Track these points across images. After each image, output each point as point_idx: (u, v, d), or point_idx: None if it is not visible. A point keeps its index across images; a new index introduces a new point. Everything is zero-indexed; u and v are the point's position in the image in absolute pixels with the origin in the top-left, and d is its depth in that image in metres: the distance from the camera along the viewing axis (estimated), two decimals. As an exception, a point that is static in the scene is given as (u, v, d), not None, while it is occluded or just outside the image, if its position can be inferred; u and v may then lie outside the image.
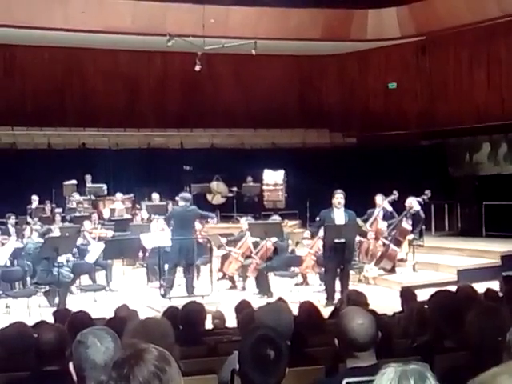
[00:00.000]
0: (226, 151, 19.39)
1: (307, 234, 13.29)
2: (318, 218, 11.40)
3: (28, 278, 11.46)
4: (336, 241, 10.65)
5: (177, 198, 12.39)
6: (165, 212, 14.63)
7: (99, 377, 1.77)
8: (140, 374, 1.68)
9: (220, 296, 11.04)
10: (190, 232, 11.49)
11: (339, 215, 10.80)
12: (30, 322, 5.41)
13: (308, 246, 12.64)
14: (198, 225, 13.86)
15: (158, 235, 12.05)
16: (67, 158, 18.12)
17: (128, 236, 13.21)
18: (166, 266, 11.58)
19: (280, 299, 7.29)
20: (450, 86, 19.49)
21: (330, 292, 10.69)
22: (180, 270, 11.57)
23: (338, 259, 10.73)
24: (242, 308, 6.32)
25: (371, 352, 3.13)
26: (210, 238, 12.51)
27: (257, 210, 16.91)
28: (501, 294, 6.52)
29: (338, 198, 10.77)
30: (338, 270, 10.84)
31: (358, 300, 6.08)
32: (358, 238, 12.59)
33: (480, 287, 6.67)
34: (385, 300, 9.63)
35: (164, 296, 10.84)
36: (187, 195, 11.89)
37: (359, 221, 12.65)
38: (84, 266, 12.06)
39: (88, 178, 17.40)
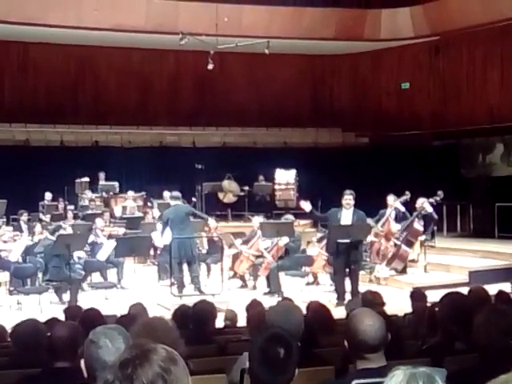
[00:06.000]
0: (238, 150, 19.39)
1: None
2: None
3: (40, 275, 11.51)
4: (339, 241, 10.61)
5: (168, 200, 12.43)
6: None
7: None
8: (144, 375, 1.68)
9: (231, 295, 11.06)
10: (185, 228, 11.37)
11: (346, 215, 10.71)
12: (42, 319, 5.44)
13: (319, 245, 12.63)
14: (212, 222, 13.87)
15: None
16: (80, 155, 18.19)
17: (139, 234, 13.25)
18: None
19: (286, 298, 7.29)
20: (464, 86, 19.41)
21: (340, 292, 10.68)
22: (186, 268, 11.60)
23: (344, 259, 10.68)
24: (253, 307, 6.32)
25: (381, 353, 3.12)
26: (221, 237, 12.53)
27: (268, 209, 16.92)
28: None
29: (347, 199, 10.67)
30: (347, 270, 10.81)
31: (373, 300, 6.06)
32: (369, 238, 12.58)
33: (492, 289, 6.64)
34: (395, 301, 9.59)
35: (177, 294, 10.86)
36: (177, 193, 11.91)
37: (371, 221, 12.63)
38: (95, 263, 12.11)
39: (101, 175, 17.46)
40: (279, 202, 17.79)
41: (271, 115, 20.35)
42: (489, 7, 17.27)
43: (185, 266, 11.43)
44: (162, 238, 11.72)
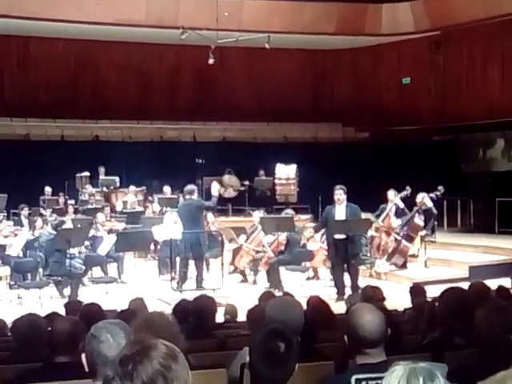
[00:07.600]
0: (238, 145, 19.39)
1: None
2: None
3: (40, 270, 11.53)
4: (336, 237, 10.61)
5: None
6: (176, 205, 14.68)
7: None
8: (143, 372, 1.67)
9: (231, 289, 11.07)
10: (196, 224, 11.11)
11: (340, 211, 10.70)
12: (42, 313, 5.44)
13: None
14: (210, 216, 13.87)
15: (170, 228, 12.07)
16: (80, 149, 18.17)
17: (140, 228, 13.25)
18: (178, 259, 11.60)
19: (286, 293, 7.30)
20: (464, 81, 19.38)
21: (339, 287, 10.68)
22: (192, 263, 11.56)
23: (341, 255, 10.66)
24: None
25: (381, 349, 3.13)
26: (221, 232, 12.53)
27: (269, 204, 16.92)
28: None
29: (337, 194, 10.67)
30: (345, 265, 10.81)
31: (373, 296, 6.07)
32: (370, 233, 12.58)
33: (492, 284, 6.65)
34: (396, 296, 9.61)
35: (177, 288, 10.85)
36: (189, 188, 11.36)
37: (371, 216, 12.64)
38: (96, 258, 12.12)
39: (102, 170, 17.47)
40: (279, 197, 17.78)
41: (271, 110, 20.31)
42: (489, 3, 17.24)
43: (191, 262, 11.36)
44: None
